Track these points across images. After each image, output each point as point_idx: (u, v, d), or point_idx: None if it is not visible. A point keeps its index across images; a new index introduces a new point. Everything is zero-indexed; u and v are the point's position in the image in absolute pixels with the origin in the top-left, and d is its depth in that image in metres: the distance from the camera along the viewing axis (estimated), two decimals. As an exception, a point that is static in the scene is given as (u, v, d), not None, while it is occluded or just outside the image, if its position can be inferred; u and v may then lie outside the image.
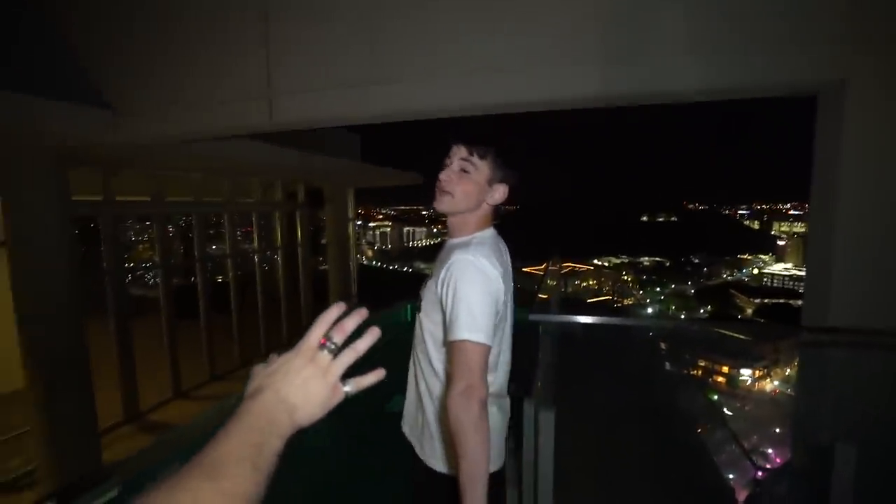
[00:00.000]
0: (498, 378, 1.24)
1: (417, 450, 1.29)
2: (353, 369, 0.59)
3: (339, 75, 2.64)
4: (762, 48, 1.96)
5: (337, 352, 0.59)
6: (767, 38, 1.96)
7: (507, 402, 1.31)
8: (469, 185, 1.18)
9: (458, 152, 1.19)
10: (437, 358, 1.20)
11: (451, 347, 1.06)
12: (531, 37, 2.26)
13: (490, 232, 1.24)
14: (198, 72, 3.00)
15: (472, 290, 1.07)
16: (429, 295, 1.20)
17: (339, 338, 0.59)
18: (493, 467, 1.20)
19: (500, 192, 1.20)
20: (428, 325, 1.20)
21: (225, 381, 6.18)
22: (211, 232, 6.54)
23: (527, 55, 2.26)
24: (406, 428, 1.35)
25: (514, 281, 1.28)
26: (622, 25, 2.12)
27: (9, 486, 3.85)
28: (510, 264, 1.31)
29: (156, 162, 4.94)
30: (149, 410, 5.19)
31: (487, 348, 1.05)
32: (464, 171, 1.18)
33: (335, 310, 0.60)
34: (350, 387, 0.60)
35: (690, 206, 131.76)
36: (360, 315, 0.61)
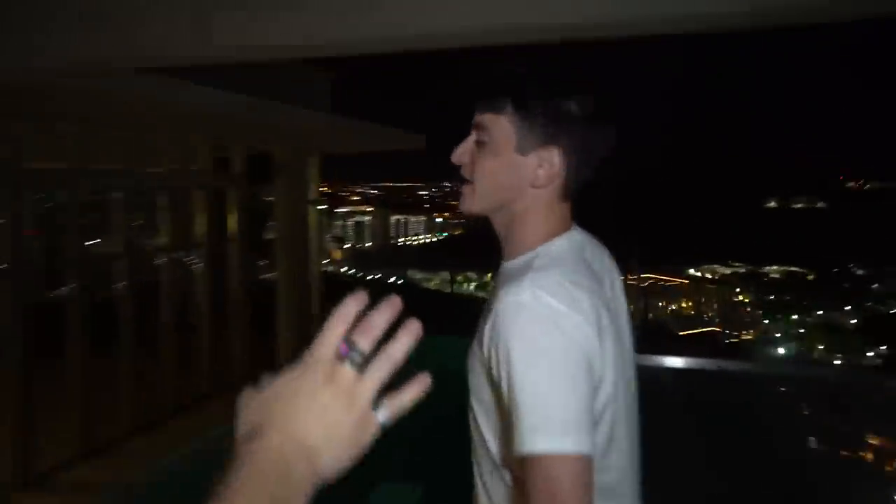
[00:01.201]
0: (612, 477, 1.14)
1: None
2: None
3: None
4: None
5: (363, 364, 0.59)
6: None
7: None
8: (490, 161, 1.14)
9: (475, 119, 1.17)
10: (497, 452, 1.14)
11: (522, 465, 0.98)
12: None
13: (565, 240, 1.16)
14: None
15: (535, 362, 0.98)
16: (475, 365, 1.14)
17: (365, 343, 0.59)
18: None
19: (547, 163, 1.12)
20: (482, 414, 1.16)
21: (104, 456, 6.12)
22: (90, 218, 6.56)
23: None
24: None
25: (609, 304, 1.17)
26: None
27: None
28: (615, 277, 1.26)
29: (15, 105, 4.98)
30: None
31: (584, 460, 0.95)
32: (479, 142, 1.15)
33: (354, 302, 0.61)
34: (384, 413, 0.60)
35: (850, 184, 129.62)
36: (392, 307, 0.61)
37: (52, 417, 5.84)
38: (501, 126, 1.12)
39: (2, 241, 5.53)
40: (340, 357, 0.59)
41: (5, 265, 5.47)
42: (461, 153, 1.18)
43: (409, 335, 0.61)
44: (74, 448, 6.00)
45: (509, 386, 0.99)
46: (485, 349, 1.07)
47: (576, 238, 1.18)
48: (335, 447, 0.57)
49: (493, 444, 1.14)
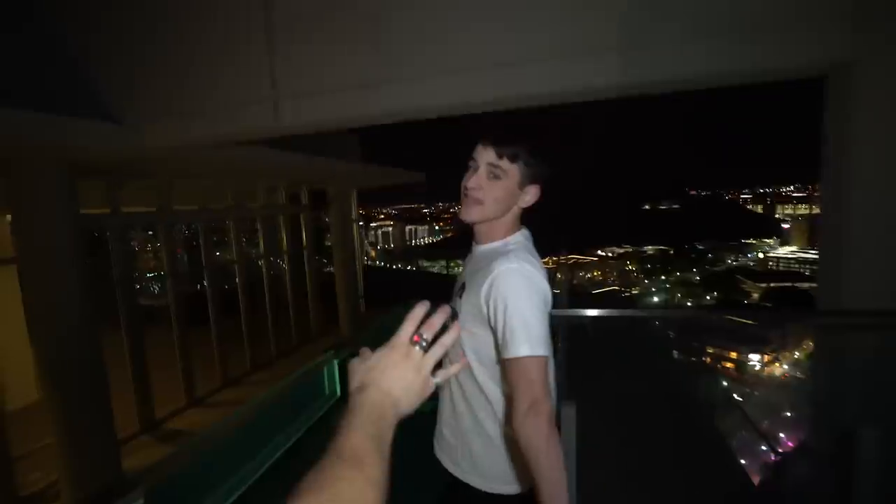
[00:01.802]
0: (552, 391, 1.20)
1: (450, 468, 1.25)
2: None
3: (346, 75, 2.62)
4: (771, 30, 1.95)
5: (427, 347, 0.63)
6: (775, 20, 1.94)
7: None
8: (500, 191, 1.12)
9: (485, 155, 1.12)
10: (484, 374, 1.15)
11: (508, 366, 1.02)
12: (539, 29, 2.25)
13: (522, 235, 1.19)
14: (200, 77, 2.99)
15: (524, 302, 1.03)
16: (468, 308, 1.13)
17: (428, 334, 0.63)
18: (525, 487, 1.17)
19: (531, 194, 1.15)
20: (469, 342, 1.14)
21: (238, 386, 6.22)
22: (216, 239, 6.57)
23: (536, 48, 2.25)
24: (437, 446, 1.30)
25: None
26: (632, 13, 2.12)
27: (32, 499, 3.90)
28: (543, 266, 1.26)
29: (160, 171, 4.97)
30: (165, 419, 5.23)
31: (546, 360, 1.02)
32: (494, 176, 1.11)
33: (421, 308, 0.65)
34: (440, 378, 0.65)
35: (693, 192, 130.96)
36: (444, 312, 0.65)
37: (207, 364, 5.91)
38: (514, 170, 1.11)
39: (168, 256, 5.55)
40: (413, 343, 0.63)
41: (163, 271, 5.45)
42: (479, 182, 1.12)
43: (454, 331, 0.65)
44: (219, 380, 6.10)
45: (505, 320, 1.02)
46: (482, 300, 1.08)
47: (527, 233, 1.21)
48: (409, 396, 0.61)
49: (474, 362, 1.14)
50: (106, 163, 3.91)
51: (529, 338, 1.00)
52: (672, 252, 72.88)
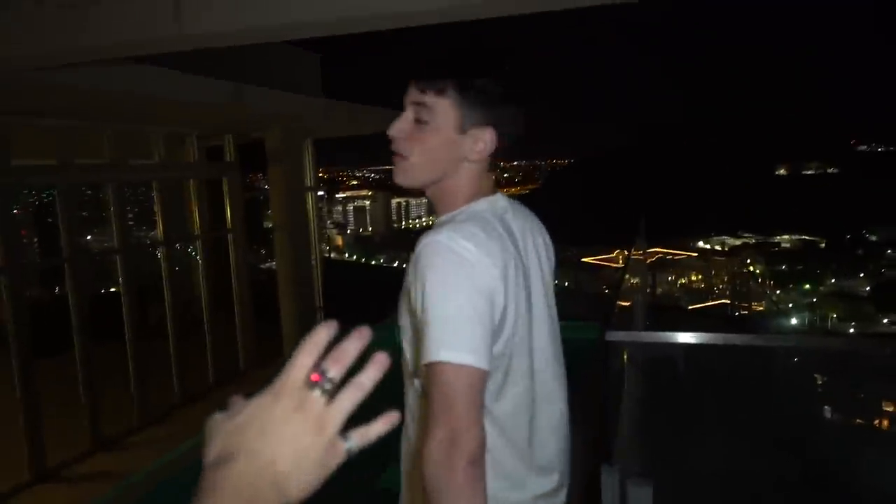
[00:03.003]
0: (530, 438, 1.29)
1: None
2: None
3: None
4: None
5: (333, 392, 0.61)
6: None
7: (553, 481, 1.33)
8: (429, 138, 1.24)
9: (411, 94, 1.25)
10: (412, 392, 1.30)
11: (426, 374, 1.12)
12: None
13: (486, 202, 1.30)
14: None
15: (444, 286, 1.12)
16: (402, 299, 1.27)
17: (335, 371, 0.61)
18: None
19: (482, 141, 1.24)
20: (404, 333, 1.29)
21: (116, 451, 6.24)
22: (86, 214, 6.59)
23: None
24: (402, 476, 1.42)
25: (556, 276, 1.38)
26: None
27: None
28: (547, 251, 1.41)
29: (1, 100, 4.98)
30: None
31: (478, 372, 1.08)
32: (418, 120, 1.24)
33: (325, 330, 0.63)
34: (353, 441, 0.63)
35: (862, 147, 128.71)
36: (361, 337, 0.63)
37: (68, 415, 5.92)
38: (443, 107, 1.22)
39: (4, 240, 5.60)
40: (311, 384, 0.61)
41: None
42: (399, 128, 1.25)
43: (378, 367, 0.63)
44: (87, 443, 6.14)
45: (423, 308, 1.12)
46: (407, 281, 1.21)
47: (499, 202, 1.32)
48: (303, 472, 0.59)
49: (410, 360, 1.28)
50: None
51: (447, 337, 1.08)
52: (823, 245, 72.43)
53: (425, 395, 1.21)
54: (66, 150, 6.22)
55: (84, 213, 6.62)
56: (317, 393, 0.60)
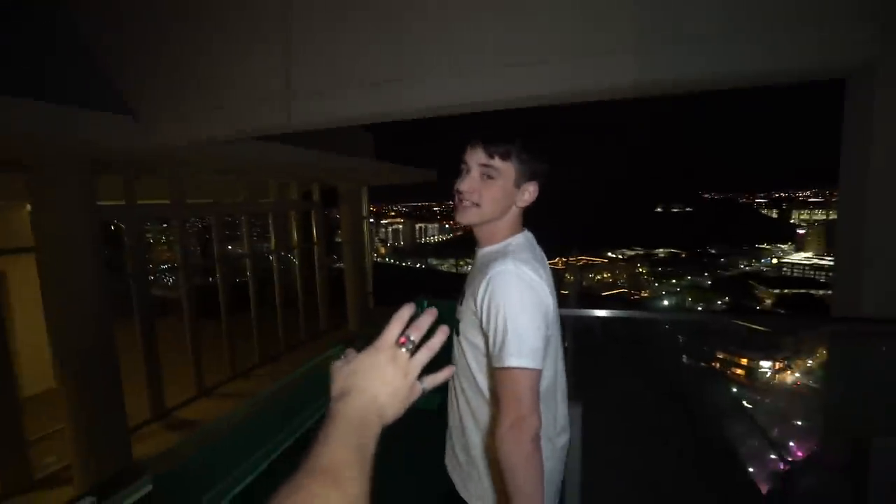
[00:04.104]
0: (556, 409, 1.14)
1: (460, 489, 1.19)
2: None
3: (359, 74, 2.62)
4: (791, 30, 1.91)
5: (414, 350, 0.60)
6: (796, 19, 1.90)
7: (565, 437, 1.20)
8: (495, 191, 1.07)
9: (475, 156, 1.08)
10: (486, 384, 1.09)
11: (497, 377, 0.98)
12: (551, 29, 2.23)
13: (524, 236, 1.13)
14: (216, 74, 3.03)
15: (518, 308, 0.97)
16: (467, 315, 1.08)
17: (416, 336, 0.60)
18: None
19: (529, 192, 1.10)
20: (470, 350, 1.10)
21: (246, 378, 6.29)
22: (228, 233, 6.65)
23: (552, 46, 2.23)
24: (449, 464, 1.24)
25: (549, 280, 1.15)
26: (645, 11, 2.08)
27: (46, 481, 3.98)
28: (548, 268, 1.19)
29: (176, 165, 5.03)
30: (175, 408, 5.31)
31: (537, 374, 0.96)
32: (487, 176, 1.07)
33: (407, 309, 0.61)
34: (426, 383, 0.61)
35: (707, 195, 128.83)
36: (432, 314, 0.62)
37: (216, 356, 5.98)
38: (507, 168, 1.07)
39: (182, 249, 5.60)
40: (400, 345, 0.59)
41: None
42: (470, 186, 1.08)
43: (442, 334, 0.62)
44: (228, 372, 6.14)
45: (497, 326, 0.97)
46: (478, 304, 1.03)
47: (529, 235, 1.16)
48: (395, 403, 0.58)
49: (478, 374, 1.10)
50: (123, 156, 3.97)
51: (521, 348, 0.95)
52: (683, 255, 71.98)
53: (491, 392, 1.06)
54: (217, 192, 6.29)
55: (227, 232, 6.65)
56: (403, 351, 0.59)
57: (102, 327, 3.87)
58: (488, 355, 1.02)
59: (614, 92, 2.25)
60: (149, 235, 6.47)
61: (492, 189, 1.08)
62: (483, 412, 1.10)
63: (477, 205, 1.08)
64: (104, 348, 3.88)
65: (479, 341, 1.06)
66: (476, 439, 1.13)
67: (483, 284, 1.01)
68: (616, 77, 2.13)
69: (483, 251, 1.14)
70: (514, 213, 1.12)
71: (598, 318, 2.25)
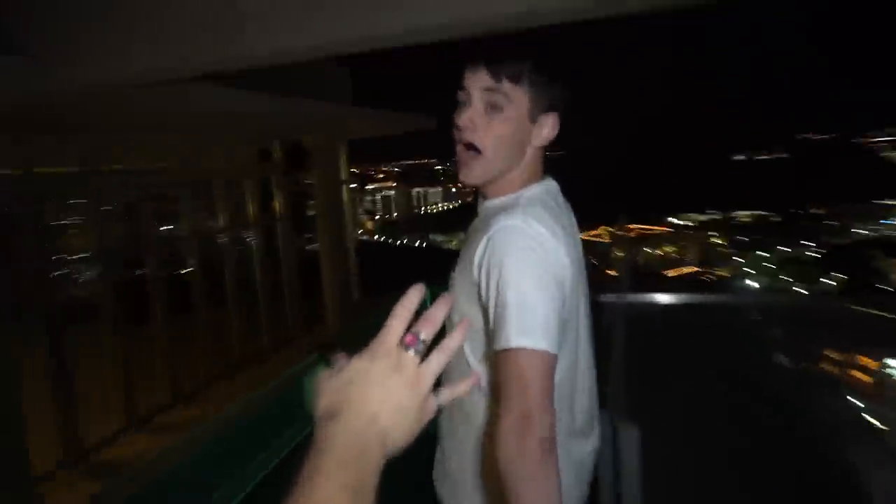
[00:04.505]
0: (567, 405, 1.13)
1: (444, 500, 1.23)
2: None
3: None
4: None
5: (425, 353, 0.58)
6: None
7: (591, 443, 1.22)
8: (504, 126, 1.06)
9: (477, 80, 1.06)
10: (485, 374, 1.11)
11: (498, 360, 0.98)
12: None
13: (543, 186, 1.14)
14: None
15: (525, 273, 0.97)
16: (461, 283, 1.10)
17: (426, 334, 0.58)
18: None
19: (549, 127, 1.10)
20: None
21: (191, 403, 6.32)
22: (160, 209, 6.64)
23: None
24: (436, 475, 1.28)
25: (573, 239, 1.16)
26: None
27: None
28: (577, 232, 1.20)
29: (84, 121, 4.98)
30: (97, 447, 5.30)
31: (551, 357, 0.95)
32: (493, 106, 1.06)
33: (415, 295, 0.60)
34: (443, 397, 0.61)
35: (807, 136, 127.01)
36: (447, 302, 0.61)
37: (151, 374, 6.04)
38: (519, 94, 1.05)
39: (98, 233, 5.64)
40: (406, 346, 0.58)
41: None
42: (470, 118, 1.07)
43: (462, 330, 0.61)
44: (168, 396, 6.24)
45: (499, 294, 0.98)
46: (475, 269, 1.04)
47: (551, 184, 1.16)
48: (402, 426, 0.56)
49: (475, 360, 1.12)
50: (9, 109, 3.93)
51: (526, 323, 0.94)
52: (777, 219, 71.45)
53: (492, 385, 1.07)
54: (144, 156, 6.26)
55: (158, 208, 6.67)
56: (411, 353, 0.57)
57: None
58: (487, 335, 1.03)
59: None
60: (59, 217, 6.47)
61: (500, 124, 1.06)
62: (479, 409, 1.12)
63: (479, 150, 1.07)
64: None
65: (477, 317, 1.06)
66: (469, 443, 1.14)
67: (482, 244, 1.02)
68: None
69: (487, 204, 1.16)
70: (530, 157, 1.12)
71: (658, 305, 2.25)
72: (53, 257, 5.61)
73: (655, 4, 2.31)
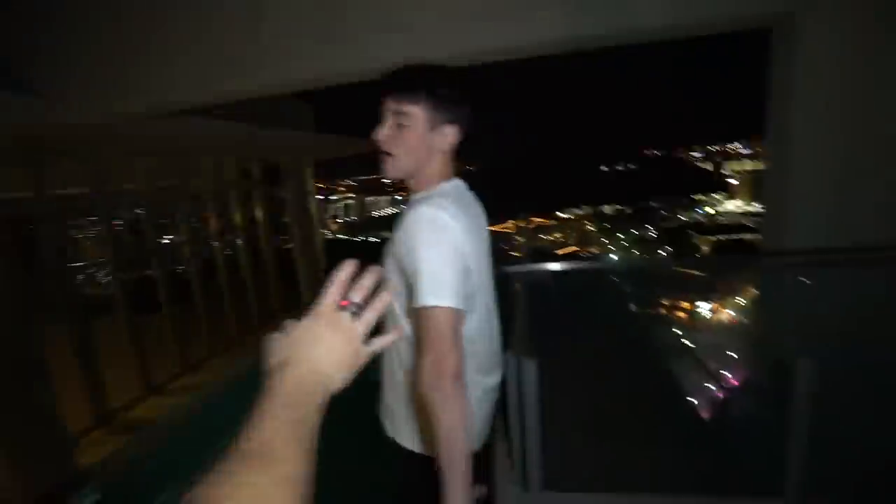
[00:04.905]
0: (477, 350, 1.14)
1: (388, 429, 1.22)
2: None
3: (290, 36, 2.46)
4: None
5: (357, 313, 0.57)
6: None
7: (495, 378, 1.23)
8: (408, 137, 1.07)
9: (389, 104, 1.07)
10: (411, 329, 1.10)
11: (417, 316, 0.98)
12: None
13: (452, 184, 1.14)
14: (134, 40, 2.73)
15: (432, 247, 0.97)
16: (389, 260, 1.10)
17: (358, 298, 0.57)
18: (475, 446, 1.15)
19: (450, 135, 1.09)
20: (398, 300, 1.11)
21: (197, 371, 6.03)
22: (163, 219, 6.20)
23: (488, 2, 2.17)
24: (381, 410, 1.26)
25: (477, 228, 1.16)
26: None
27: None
28: (484, 221, 1.21)
29: (90, 149, 4.55)
30: (120, 409, 5.03)
31: (457, 312, 0.96)
32: (400, 124, 1.06)
33: (348, 268, 0.58)
34: (374, 345, 0.58)
35: (647, 152, 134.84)
36: (375, 273, 0.59)
37: (162, 352, 5.67)
38: (417, 111, 1.06)
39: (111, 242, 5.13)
40: (341, 308, 0.56)
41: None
42: (384, 133, 1.08)
43: (388, 294, 0.59)
44: (177, 365, 5.87)
45: (414, 267, 0.98)
46: (398, 245, 1.05)
47: (458, 184, 1.16)
48: (340, 371, 0.55)
49: (402, 319, 1.11)
50: (25, 141, 3.53)
51: (435, 286, 0.95)
52: (629, 211, 75.39)
53: (417, 337, 1.05)
54: (146, 177, 5.80)
55: (162, 220, 6.24)
56: (346, 314, 0.56)
57: (22, 334, 3.54)
58: (409, 297, 1.03)
59: (552, 46, 2.22)
60: (76, 230, 5.90)
61: (405, 136, 1.08)
62: (408, 354, 1.12)
63: (391, 155, 1.09)
64: (25, 354, 3.56)
65: (401, 283, 1.06)
66: (400, 377, 1.15)
67: (403, 227, 1.03)
68: (552, 32, 2.10)
69: (412, 198, 1.15)
70: (438, 160, 1.12)
71: (549, 271, 2.32)
72: (75, 263, 5.16)
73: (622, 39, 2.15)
